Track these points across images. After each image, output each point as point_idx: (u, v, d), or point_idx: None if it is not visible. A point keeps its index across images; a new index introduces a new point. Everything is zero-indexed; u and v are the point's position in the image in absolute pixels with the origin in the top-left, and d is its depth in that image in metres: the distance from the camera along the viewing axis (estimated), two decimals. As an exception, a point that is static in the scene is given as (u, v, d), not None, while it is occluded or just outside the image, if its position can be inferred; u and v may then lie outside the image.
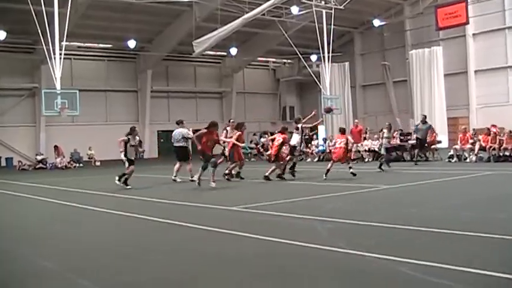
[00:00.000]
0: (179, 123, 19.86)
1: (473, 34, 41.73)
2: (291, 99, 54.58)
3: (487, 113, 39.49)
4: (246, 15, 34.28)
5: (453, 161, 24.89)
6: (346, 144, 18.21)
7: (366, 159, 28.13)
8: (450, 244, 7.64)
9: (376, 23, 44.69)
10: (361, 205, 12.00)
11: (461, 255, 6.89)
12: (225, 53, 46.62)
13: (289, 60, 51.68)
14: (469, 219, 9.57)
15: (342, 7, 37.54)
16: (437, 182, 16.38)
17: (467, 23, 38.06)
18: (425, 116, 26.35)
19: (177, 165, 19.53)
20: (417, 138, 24.60)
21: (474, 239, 7.79)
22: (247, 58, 47.91)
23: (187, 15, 38.09)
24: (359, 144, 28.38)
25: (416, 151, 24.83)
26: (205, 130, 16.72)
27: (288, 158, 18.90)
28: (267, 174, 18.15)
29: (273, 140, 19.30)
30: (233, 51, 43.99)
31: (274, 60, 53.56)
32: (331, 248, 7.41)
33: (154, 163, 34.44)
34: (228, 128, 20.34)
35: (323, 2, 37.29)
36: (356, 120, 33.63)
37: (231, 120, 21.83)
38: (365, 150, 28.74)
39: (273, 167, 18.31)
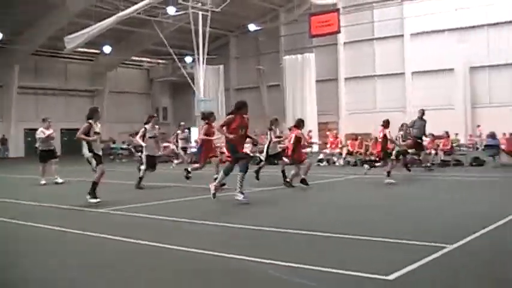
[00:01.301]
0: (43, 120, 18.77)
1: (345, 43, 43.27)
2: (164, 100, 54.11)
3: (355, 119, 41.14)
4: (121, 13, 33.61)
5: (322, 164, 25.53)
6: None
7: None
8: (319, 246, 7.72)
9: (252, 27, 45.15)
10: (235, 207, 11.94)
11: (327, 256, 6.97)
12: (98, 51, 45.41)
13: (163, 61, 51.18)
14: (336, 220, 9.75)
15: (218, 10, 37.62)
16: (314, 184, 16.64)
17: (338, 32, 39.31)
18: (423, 111, 21.54)
19: (45, 166, 18.25)
20: (414, 137, 20.47)
21: (341, 241, 7.91)
22: (121, 57, 47.01)
23: (61, 9, 36.71)
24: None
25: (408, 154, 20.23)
26: (232, 115, 12.35)
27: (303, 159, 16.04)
28: (288, 179, 15.67)
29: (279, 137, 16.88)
30: (107, 49, 42.93)
31: (148, 60, 52.90)
32: (196, 250, 7.34)
33: (20, 163, 32.96)
34: (179, 132, 19.57)
35: (200, 4, 37.22)
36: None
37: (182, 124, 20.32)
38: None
39: (293, 172, 15.70)
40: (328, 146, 26.80)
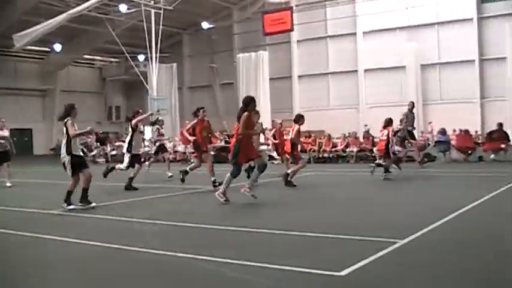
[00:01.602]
0: None
1: (298, 41, 43.44)
2: (117, 99, 53.50)
3: (309, 117, 41.09)
4: (72, 11, 33.06)
5: (276, 162, 25.54)
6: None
7: (192, 161, 28.13)
8: (274, 244, 7.74)
9: (205, 25, 44.91)
10: (194, 206, 11.88)
11: (281, 253, 6.99)
12: (48, 49, 44.61)
13: (116, 59, 50.60)
14: (292, 218, 9.77)
15: (171, 8, 37.33)
16: (263, 182, 16.62)
17: (291, 30, 39.42)
18: (413, 104, 21.72)
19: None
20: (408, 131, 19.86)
21: (296, 238, 7.95)
22: (73, 55, 46.27)
23: (9, 6, 35.93)
24: (188, 146, 28.41)
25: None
26: (247, 113, 11.65)
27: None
28: (289, 178, 15.08)
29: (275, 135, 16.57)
30: (57, 47, 42.21)
31: (100, 58, 52.23)
32: (146, 249, 7.32)
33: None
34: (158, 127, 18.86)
35: (152, 2, 36.88)
36: (187, 121, 33.42)
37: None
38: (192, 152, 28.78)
39: (292, 169, 15.37)
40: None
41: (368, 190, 14.41)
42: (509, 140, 24.06)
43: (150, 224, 9.34)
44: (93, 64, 52.74)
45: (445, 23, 38.04)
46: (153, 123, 21.16)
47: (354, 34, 41.26)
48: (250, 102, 11.67)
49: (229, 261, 6.49)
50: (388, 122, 16.65)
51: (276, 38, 42.55)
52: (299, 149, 16.25)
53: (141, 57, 44.26)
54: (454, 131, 26.79)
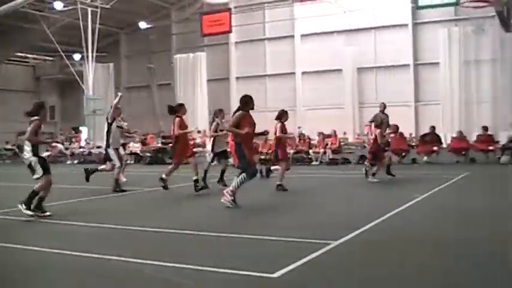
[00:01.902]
0: None
1: (236, 42, 43.42)
2: (52, 99, 52.10)
3: (246, 119, 41.37)
4: (3, 7, 32.16)
5: (213, 163, 25.39)
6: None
7: (128, 162, 27.81)
8: (206, 246, 7.65)
9: (143, 25, 44.36)
10: (122, 207, 11.66)
11: (214, 256, 6.92)
12: (-22, 46, 43.30)
13: (51, 58, 49.44)
14: (227, 220, 9.71)
15: (108, 6, 36.77)
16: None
17: (230, 31, 39.28)
18: (385, 105, 20.75)
19: None
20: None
21: (231, 241, 7.89)
22: (5, 53, 44.99)
23: None
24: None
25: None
26: (241, 112, 11.18)
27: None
28: (278, 182, 14.16)
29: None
30: (-12, 44, 41.06)
31: (34, 56, 50.94)
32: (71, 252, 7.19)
33: None
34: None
35: (89, 0, 36.25)
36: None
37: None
38: (129, 153, 28.43)
39: (280, 171, 14.49)
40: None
41: (303, 192, 14.43)
42: (441, 143, 24.67)
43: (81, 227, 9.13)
44: (27, 62, 51.38)
45: (381, 27, 38.65)
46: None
47: (292, 37, 41.49)
48: (249, 102, 11.32)
49: (164, 264, 6.40)
50: (381, 123, 16.41)
51: (214, 40, 42.39)
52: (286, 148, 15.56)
53: (77, 56, 43.39)
54: (389, 133, 27.18)
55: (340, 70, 39.21)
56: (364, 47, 38.72)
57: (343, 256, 6.84)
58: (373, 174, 15.83)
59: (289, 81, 41.49)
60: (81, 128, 42.84)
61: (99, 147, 31.44)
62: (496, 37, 31.58)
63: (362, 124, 36.70)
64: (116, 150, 14.66)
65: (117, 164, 14.55)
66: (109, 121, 14.59)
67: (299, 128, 32.56)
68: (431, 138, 24.91)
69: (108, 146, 14.49)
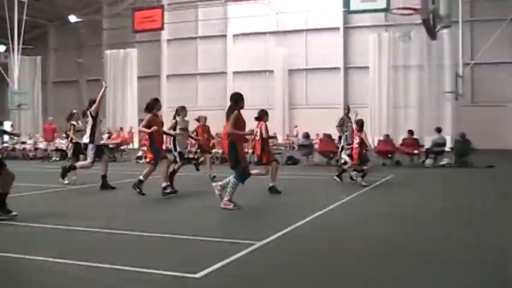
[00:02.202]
0: None
1: (168, 40, 43.13)
2: (-26, 92, 50.62)
3: (177, 117, 41.23)
4: None
5: (141, 161, 25.12)
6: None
7: (54, 158, 27.22)
8: (131, 246, 7.53)
9: (73, 19, 43.45)
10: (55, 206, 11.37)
11: (138, 255, 6.81)
12: None
13: (-25, 49, 47.86)
14: (152, 220, 9.59)
15: (36, -3, 35.84)
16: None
17: (162, 28, 38.90)
18: (349, 108, 20.89)
19: None
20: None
21: (155, 240, 7.79)
22: None
23: None
24: (50, 143, 27.69)
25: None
26: (236, 111, 10.64)
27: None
28: (271, 184, 13.13)
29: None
30: None
31: (-44, 47, 49.17)
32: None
33: None
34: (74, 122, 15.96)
35: (16, -11, 35.19)
36: (50, 118, 32.13)
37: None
38: (55, 149, 27.82)
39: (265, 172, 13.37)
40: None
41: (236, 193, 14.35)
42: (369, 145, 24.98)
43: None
44: None
45: (313, 30, 39.12)
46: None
47: (225, 36, 41.55)
48: (239, 100, 10.74)
49: (91, 264, 6.26)
50: (362, 125, 15.35)
51: (146, 36, 42.00)
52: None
53: (1, 48, 42.10)
54: (318, 135, 27.49)
55: (271, 71, 39.47)
56: (295, 49, 39.15)
57: (266, 256, 6.84)
58: (363, 177, 14.89)
59: (220, 81, 41.51)
60: (5, 123, 41.50)
61: (23, 142, 30.53)
62: (424, 44, 32.40)
63: (292, 125, 37.04)
64: (97, 147, 13.98)
65: (89, 161, 13.96)
66: (93, 115, 13.84)
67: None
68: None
69: (92, 141, 13.78)
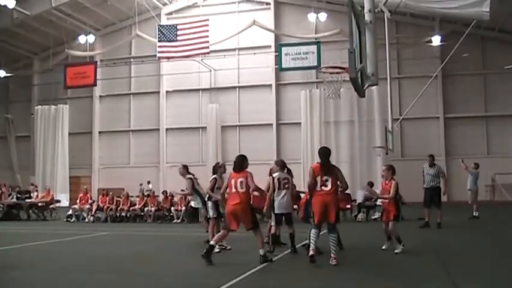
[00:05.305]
0: None
1: (100, 96, 42.75)
2: None
3: (108, 174, 40.76)
4: None
5: (72, 220, 24.54)
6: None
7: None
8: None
9: (2, 73, 42.58)
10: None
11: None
12: None
13: None
14: (75, 282, 9.26)
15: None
16: (56, 242, 15.69)
17: (94, 84, 38.55)
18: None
19: None
20: None
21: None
22: None
23: None
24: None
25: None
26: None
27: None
28: (261, 253, 11.14)
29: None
30: None
31: None
32: None
33: None
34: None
35: None
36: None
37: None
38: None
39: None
40: (78, 201, 25.76)
41: (157, 252, 14.08)
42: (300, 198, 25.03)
43: None
44: None
45: (246, 87, 39.51)
46: None
47: (158, 93, 41.46)
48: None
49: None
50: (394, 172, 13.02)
51: (78, 92, 41.53)
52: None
53: None
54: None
55: (204, 127, 39.61)
56: (228, 106, 39.46)
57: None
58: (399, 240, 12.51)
59: (153, 137, 41.30)
60: None
61: None
62: (354, 100, 33.18)
63: (225, 182, 36.97)
64: None
65: None
66: None
67: (146, 183, 33.05)
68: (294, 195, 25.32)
69: None
